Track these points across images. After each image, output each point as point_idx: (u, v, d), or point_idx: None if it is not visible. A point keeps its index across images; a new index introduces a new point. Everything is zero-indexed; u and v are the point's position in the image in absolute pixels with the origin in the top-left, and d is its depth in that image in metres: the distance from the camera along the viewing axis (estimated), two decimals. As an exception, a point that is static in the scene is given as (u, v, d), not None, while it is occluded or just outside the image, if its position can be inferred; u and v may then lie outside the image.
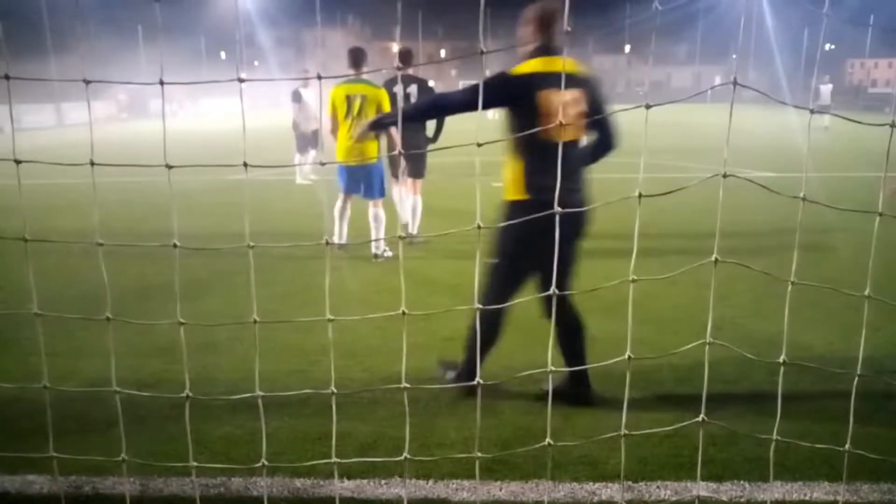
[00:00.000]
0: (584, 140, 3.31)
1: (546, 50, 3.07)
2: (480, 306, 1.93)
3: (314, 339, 3.98)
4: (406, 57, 7.02)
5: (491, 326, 3.30)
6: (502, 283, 3.27)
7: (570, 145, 3.10)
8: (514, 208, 3.09)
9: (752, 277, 5.20)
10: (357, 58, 6.07)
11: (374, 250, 6.24)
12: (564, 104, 2.97)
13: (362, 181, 6.09)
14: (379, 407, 3.19)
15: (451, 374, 3.49)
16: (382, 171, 6.18)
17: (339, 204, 6.36)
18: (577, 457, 2.72)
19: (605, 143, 3.29)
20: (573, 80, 3.02)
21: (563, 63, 2.87)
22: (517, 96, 3.02)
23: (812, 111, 1.88)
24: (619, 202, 2.07)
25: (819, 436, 2.73)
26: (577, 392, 3.29)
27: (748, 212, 7.82)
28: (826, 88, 22.40)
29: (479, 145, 1.76)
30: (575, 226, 3.18)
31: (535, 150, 3.03)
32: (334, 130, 6.01)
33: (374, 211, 6.20)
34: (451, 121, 5.37)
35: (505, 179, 3.17)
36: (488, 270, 3.29)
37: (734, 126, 1.76)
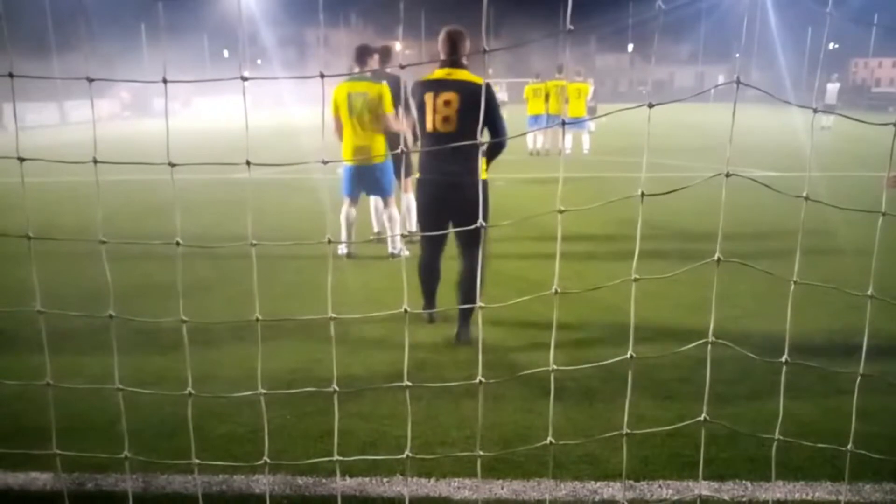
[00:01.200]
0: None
1: (445, 63, 4.04)
2: (482, 305, 1.93)
3: (316, 337, 3.98)
4: (385, 54, 6.81)
5: (431, 272, 4.34)
6: (424, 240, 4.43)
7: (445, 137, 3.94)
8: (417, 184, 4.14)
9: (755, 277, 5.19)
10: (361, 55, 5.92)
11: (390, 249, 6.23)
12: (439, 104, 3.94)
13: (370, 181, 6.01)
14: (381, 405, 3.19)
15: (424, 316, 4.40)
16: (392, 170, 6.12)
17: (344, 209, 6.18)
18: (579, 455, 2.72)
19: (493, 144, 4.07)
20: (455, 86, 3.94)
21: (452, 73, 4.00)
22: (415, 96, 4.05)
23: (815, 110, 1.88)
24: (622, 201, 2.07)
25: (821, 435, 2.73)
26: (459, 331, 4.12)
27: (751, 211, 7.80)
28: (833, 87, 22.18)
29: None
30: (460, 199, 3.91)
31: (423, 140, 4.09)
32: (338, 130, 5.90)
33: (388, 211, 6.14)
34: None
35: None
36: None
37: (737, 125, 1.75)
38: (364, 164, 5.90)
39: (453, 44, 4.05)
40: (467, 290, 4.12)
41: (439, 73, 4.02)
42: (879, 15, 46.39)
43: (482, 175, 3.91)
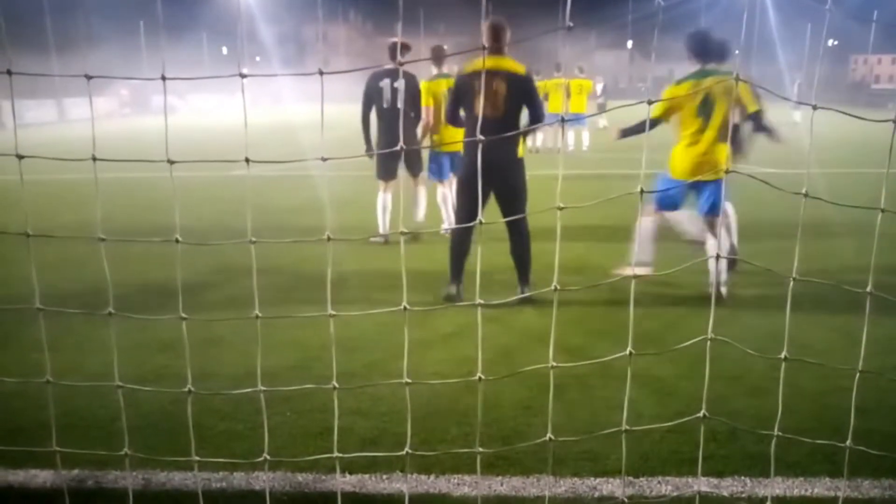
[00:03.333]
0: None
1: (492, 52, 4.45)
2: (481, 303, 1.93)
3: (316, 335, 3.98)
4: (404, 51, 6.99)
5: (463, 240, 4.76)
6: (465, 214, 4.74)
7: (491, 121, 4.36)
8: (462, 158, 4.84)
9: (754, 273, 5.20)
10: (439, 56, 6.69)
11: (444, 230, 6.50)
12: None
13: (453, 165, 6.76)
14: (380, 402, 3.20)
15: (451, 289, 4.73)
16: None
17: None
18: (578, 452, 2.73)
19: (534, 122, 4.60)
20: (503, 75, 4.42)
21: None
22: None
23: (815, 107, 1.88)
24: (621, 198, 2.07)
25: (820, 432, 2.74)
26: (521, 291, 4.66)
27: (750, 208, 7.80)
28: (795, 88, 22.93)
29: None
30: (502, 173, 4.50)
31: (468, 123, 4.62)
32: (439, 123, 6.37)
33: (443, 191, 6.90)
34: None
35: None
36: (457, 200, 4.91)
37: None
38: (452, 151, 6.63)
39: (496, 33, 4.48)
40: (521, 253, 4.71)
41: (488, 61, 4.38)
42: (879, 12, 46.30)
43: (520, 153, 4.67)
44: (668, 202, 4.87)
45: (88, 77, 1.76)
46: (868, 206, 1.95)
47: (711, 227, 4.62)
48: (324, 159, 1.82)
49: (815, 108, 1.88)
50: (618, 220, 6.29)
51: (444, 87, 6.29)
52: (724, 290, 4.62)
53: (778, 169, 7.10)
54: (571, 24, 1.82)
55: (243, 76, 1.76)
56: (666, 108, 4.67)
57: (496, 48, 4.45)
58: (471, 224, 4.57)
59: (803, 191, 1.83)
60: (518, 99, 4.41)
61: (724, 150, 4.48)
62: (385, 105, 6.51)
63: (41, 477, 2.60)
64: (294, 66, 61.04)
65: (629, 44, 69.94)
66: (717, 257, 2.13)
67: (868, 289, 1.92)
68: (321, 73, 1.81)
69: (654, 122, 4.50)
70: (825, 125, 20.50)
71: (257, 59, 58.72)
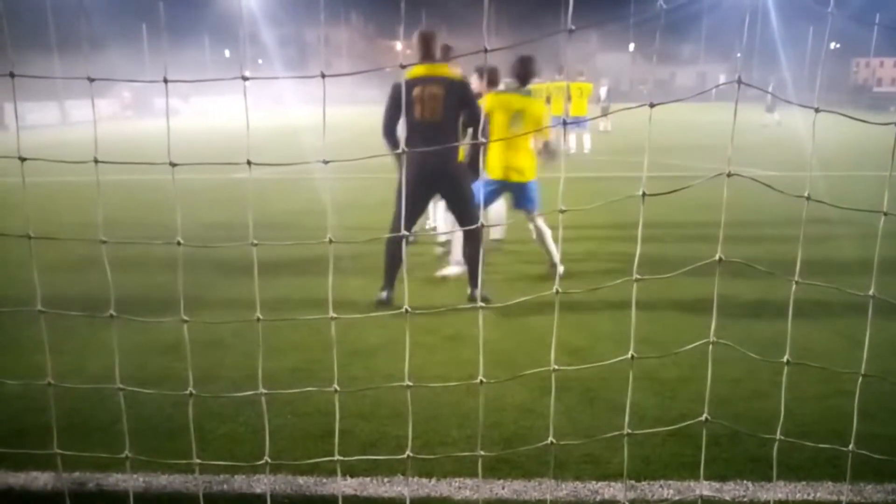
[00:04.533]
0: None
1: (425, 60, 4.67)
2: (483, 305, 1.93)
3: (317, 337, 3.98)
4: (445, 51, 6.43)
5: (399, 247, 4.67)
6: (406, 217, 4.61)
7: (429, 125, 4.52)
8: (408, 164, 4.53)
9: (756, 276, 5.19)
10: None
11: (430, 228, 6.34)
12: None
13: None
14: (381, 405, 3.19)
15: (382, 294, 4.77)
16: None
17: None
18: (580, 455, 2.72)
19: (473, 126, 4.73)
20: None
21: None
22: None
23: (817, 110, 1.87)
24: (623, 201, 2.07)
25: (823, 436, 2.73)
26: (471, 294, 4.78)
27: (752, 210, 7.80)
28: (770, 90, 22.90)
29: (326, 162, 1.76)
30: (443, 178, 4.65)
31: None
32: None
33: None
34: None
35: None
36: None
37: (738, 124, 1.75)
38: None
39: (427, 42, 4.66)
40: (472, 255, 4.75)
41: (423, 69, 4.61)
42: (881, 15, 46.31)
43: (461, 158, 4.93)
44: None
45: (91, 79, 1.76)
46: (870, 210, 1.95)
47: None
48: (325, 162, 1.82)
49: (817, 111, 1.87)
50: (619, 221, 6.28)
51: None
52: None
53: (780, 172, 7.08)
54: (573, 28, 1.82)
55: (245, 79, 1.76)
56: None
57: (429, 56, 4.64)
58: (401, 234, 4.71)
59: (805, 194, 1.83)
60: (455, 103, 4.55)
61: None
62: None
63: (42, 479, 2.60)
64: (296, 68, 61.09)
65: (631, 46, 69.95)
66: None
67: (870, 292, 1.92)
68: (323, 75, 1.81)
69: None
70: (830, 130, 20.47)
71: (259, 61, 58.79)
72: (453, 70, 4.74)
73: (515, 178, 5.22)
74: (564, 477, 2.60)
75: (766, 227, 7.29)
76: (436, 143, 4.45)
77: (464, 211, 4.74)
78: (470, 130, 4.95)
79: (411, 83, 4.57)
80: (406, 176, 4.64)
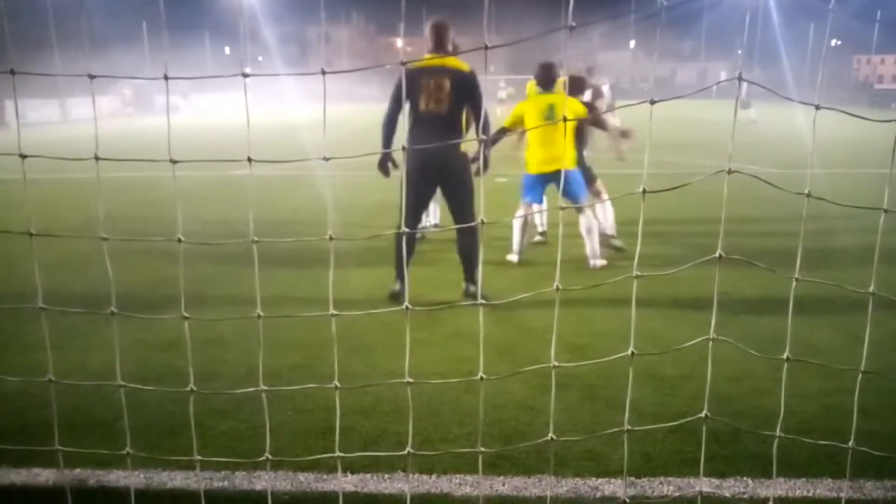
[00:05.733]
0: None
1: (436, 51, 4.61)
2: (483, 303, 1.93)
3: (318, 334, 3.99)
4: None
5: (408, 239, 4.58)
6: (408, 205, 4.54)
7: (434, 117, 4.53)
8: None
9: (757, 273, 5.19)
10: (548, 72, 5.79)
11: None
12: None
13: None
14: (382, 402, 3.20)
15: (395, 286, 4.76)
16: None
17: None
18: (580, 452, 2.72)
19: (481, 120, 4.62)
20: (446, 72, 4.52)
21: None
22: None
23: (817, 107, 1.87)
24: (624, 198, 2.07)
25: (823, 432, 2.74)
26: (466, 289, 4.83)
27: (753, 207, 7.80)
28: (744, 85, 22.69)
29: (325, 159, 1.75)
30: (445, 168, 4.64)
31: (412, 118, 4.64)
32: None
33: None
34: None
35: None
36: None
37: (739, 121, 1.75)
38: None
39: (439, 34, 4.66)
40: (468, 251, 4.74)
41: (433, 60, 4.53)
42: (882, 12, 46.24)
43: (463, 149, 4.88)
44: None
45: (91, 77, 1.77)
46: (871, 207, 1.95)
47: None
48: (326, 159, 1.82)
49: (817, 107, 1.87)
50: (620, 219, 6.28)
51: None
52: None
53: (780, 169, 7.08)
54: (574, 24, 1.82)
55: (246, 76, 1.76)
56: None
57: (440, 47, 4.61)
58: (414, 220, 4.71)
59: (806, 191, 1.83)
60: (461, 95, 4.53)
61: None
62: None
63: (43, 476, 2.61)
64: (296, 66, 61.07)
65: (632, 44, 69.86)
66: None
67: (870, 289, 1.92)
68: (324, 72, 1.81)
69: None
70: (832, 128, 20.52)
71: (260, 59, 58.73)
72: (463, 63, 4.68)
73: (557, 166, 5.38)
74: (564, 473, 2.60)
75: (766, 224, 7.29)
76: (440, 136, 4.45)
77: (463, 204, 4.71)
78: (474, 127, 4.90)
79: (419, 73, 4.53)
80: (408, 168, 4.56)
